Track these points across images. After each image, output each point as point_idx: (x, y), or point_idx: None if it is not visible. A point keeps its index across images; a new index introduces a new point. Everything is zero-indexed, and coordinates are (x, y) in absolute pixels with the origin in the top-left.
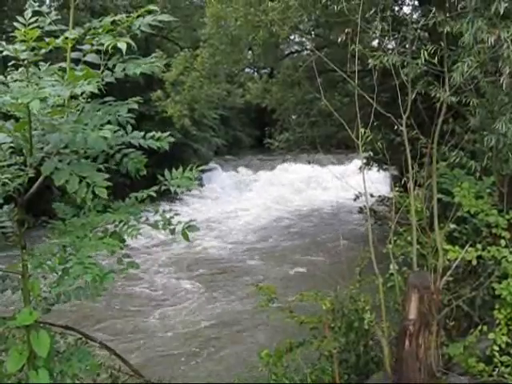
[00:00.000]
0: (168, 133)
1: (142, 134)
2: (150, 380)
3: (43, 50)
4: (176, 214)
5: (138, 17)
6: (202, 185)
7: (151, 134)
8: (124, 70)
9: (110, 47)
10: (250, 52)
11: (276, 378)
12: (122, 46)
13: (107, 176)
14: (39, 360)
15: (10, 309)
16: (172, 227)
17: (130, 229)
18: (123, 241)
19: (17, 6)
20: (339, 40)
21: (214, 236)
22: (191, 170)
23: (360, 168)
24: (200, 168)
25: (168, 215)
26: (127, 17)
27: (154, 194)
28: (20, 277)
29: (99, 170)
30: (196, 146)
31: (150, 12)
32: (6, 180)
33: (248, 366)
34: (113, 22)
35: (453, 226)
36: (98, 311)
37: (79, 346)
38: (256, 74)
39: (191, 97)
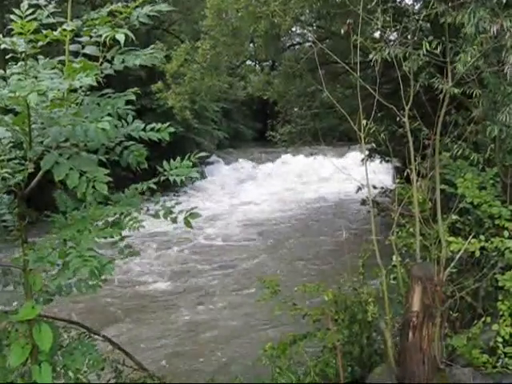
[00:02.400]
0: (168, 123)
1: (143, 125)
2: (154, 373)
3: (41, 43)
4: (177, 203)
5: (136, 7)
6: (204, 177)
7: (151, 125)
8: (123, 61)
9: (108, 39)
10: (251, 44)
11: (280, 371)
12: (120, 37)
13: (107, 171)
14: (42, 354)
15: (14, 304)
16: (173, 216)
17: (132, 221)
18: (121, 227)
19: (17, 1)
20: (342, 32)
21: (214, 229)
22: (189, 158)
23: (362, 160)
24: (198, 155)
25: (169, 204)
26: (125, 7)
27: (154, 186)
28: (22, 271)
29: (101, 164)
30: (198, 139)
31: (149, 2)
32: (6, 174)
33: (252, 360)
34: (110, 13)
35: (456, 217)
36: None
37: (82, 339)
38: (257, 66)
39: (192, 89)
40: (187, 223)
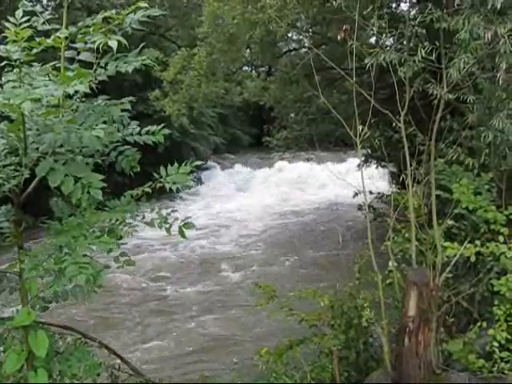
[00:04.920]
0: (162, 125)
1: (138, 128)
2: (149, 379)
3: (35, 50)
4: (173, 211)
5: (128, 13)
6: (200, 183)
7: (146, 128)
8: (117, 67)
9: (102, 45)
10: (247, 50)
11: (276, 376)
12: (113, 44)
13: (102, 177)
14: (38, 360)
15: (10, 310)
16: (167, 225)
17: (126, 227)
18: (120, 238)
19: (14, 7)
20: (339, 37)
21: (210, 235)
22: (186, 165)
23: (358, 165)
24: (195, 164)
25: (165, 212)
26: (117, 13)
27: (150, 191)
28: (18, 277)
29: (98, 169)
30: (194, 144)
31: (142, 8)
32: (1, 181)
33: (248, 364)
34: (104, 20)
35: (451, 222)
36: None
37: (78, 345)
38: (254, 72)
39: (189, 96)
40: (181, 233)
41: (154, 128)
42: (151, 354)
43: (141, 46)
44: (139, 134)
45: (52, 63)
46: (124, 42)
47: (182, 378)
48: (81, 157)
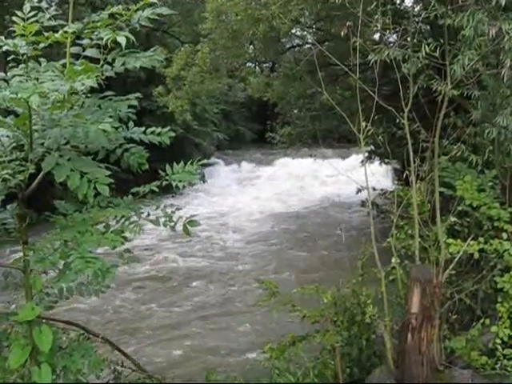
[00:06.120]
0: (168, 127)
1: (143, 129)
2: (153, 375)
3: (42, 45)
4: (178, 209)
5: (136, 10)
6: (204, 180)
7: (152, 129)
8: (124, 63)
9: (109, 41)
10: (251, 46)
11: (279, 373)
12: (122, 40)
13: (109, 172)
14: (42, 355)
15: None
16: (172, 223)
17: (132, 225)
18: (125, 237)
19: (18, 2)
20: (342, 34)
21: (214, 231)
22: (192, 163)
23: (362, 162)
24: (201, 162)
25: (169, 210)
26: (126, 10)
27: (156, 189)
28: (22, 272)
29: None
30: (197, 140)
31: (150, 5)
32: (7, 176)
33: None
34: (111, 16)
35: (454, 219)
36: None
37: (81, 341)
38: (257, 68)
39: (192, 92)
40: (185, 230)
41: (159, 130)
42: None
43: (153, 48)
44: (144, 133)
45: (61, 62)
46: (132, 38)
47: None
48: (85, 156)
